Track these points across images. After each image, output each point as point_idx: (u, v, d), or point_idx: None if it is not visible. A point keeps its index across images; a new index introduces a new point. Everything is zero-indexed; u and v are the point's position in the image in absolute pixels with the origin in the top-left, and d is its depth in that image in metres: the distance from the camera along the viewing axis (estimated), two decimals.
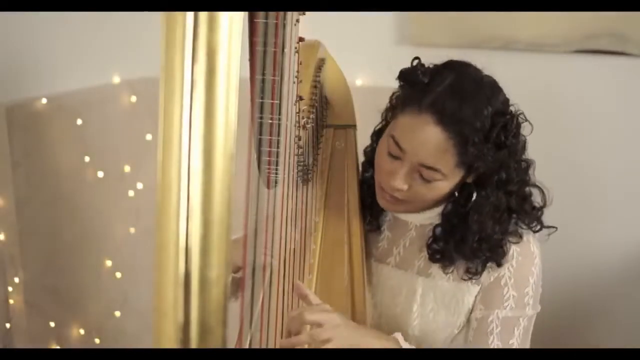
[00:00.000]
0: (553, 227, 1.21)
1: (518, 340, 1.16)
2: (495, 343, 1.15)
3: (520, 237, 1.18)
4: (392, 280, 1.25)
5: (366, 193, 1.31)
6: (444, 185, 1.14)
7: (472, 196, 1.16)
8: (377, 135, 1.31)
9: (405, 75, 1.18)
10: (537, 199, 1.22)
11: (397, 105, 1.20)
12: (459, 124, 1.08)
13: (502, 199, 1.16)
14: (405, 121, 1.13)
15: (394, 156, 1.15)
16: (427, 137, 1.10)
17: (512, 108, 1.14)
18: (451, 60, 1.17)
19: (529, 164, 1.19)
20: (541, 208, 1.21)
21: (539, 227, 1.21)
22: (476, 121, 1.08)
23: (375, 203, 1.29)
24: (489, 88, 1.13)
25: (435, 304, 1.19)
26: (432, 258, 1.20)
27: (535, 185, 1.20)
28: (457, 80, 1.13)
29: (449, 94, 1.10)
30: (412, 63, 1.18)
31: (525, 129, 1.18)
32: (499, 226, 1.16)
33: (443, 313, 1.19)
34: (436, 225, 1.22)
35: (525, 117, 1.16)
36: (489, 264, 1.17)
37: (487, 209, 1.15)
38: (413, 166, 1.13)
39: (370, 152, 1.34)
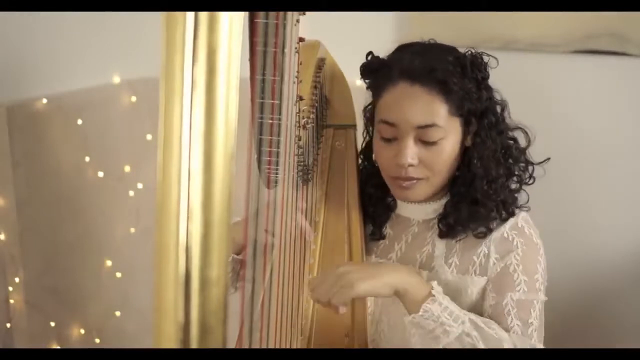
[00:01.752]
0: (546, 159, 1.25)
1: (536, 321, 1.15)
2: (515, 322, 1.14)
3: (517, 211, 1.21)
4: None
5: (367, 203, 1.31)
6: (448, 144, 1.16)
7: (473, 159, 1.19)
8: (365, 152, 1.36)
9: (366, 69, 1.24)
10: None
11: (372, 102, 1.25)
12: (432, 74, 1.13)
13: (497, 140, 1.20)
14: (385, 100, 1.18)
15: (389, 139, 1.18)
16: (410, 100, 1.14)
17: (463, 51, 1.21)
18: (400, 44, 1.25)
19: (503, 105, 1.24)
20: (526, 147, 1.25)
21: (531, 170, 1.24)
22: (447, 65, 1.14)
23: (377, 213, 1.29)
24: (442, 45, 1.22)
25: None
26: (443, 234, 1.21)
27: (517, 127, 1.25)
28: (413, 47, 1.21)
29: (411, 57, 1.17)
30: (366, 57, 1.25)
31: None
32: (501, 168, 1.20)
33: None
34: (446, 203, 1.23)
35: (487, 53, 1.21)
36: (494, 256, 1.17)
37: (486, 153, 1.19)
38: (411, 136, 1.15)
39: (363, 169, 1.35)
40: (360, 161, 1.39)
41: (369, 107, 1.28)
